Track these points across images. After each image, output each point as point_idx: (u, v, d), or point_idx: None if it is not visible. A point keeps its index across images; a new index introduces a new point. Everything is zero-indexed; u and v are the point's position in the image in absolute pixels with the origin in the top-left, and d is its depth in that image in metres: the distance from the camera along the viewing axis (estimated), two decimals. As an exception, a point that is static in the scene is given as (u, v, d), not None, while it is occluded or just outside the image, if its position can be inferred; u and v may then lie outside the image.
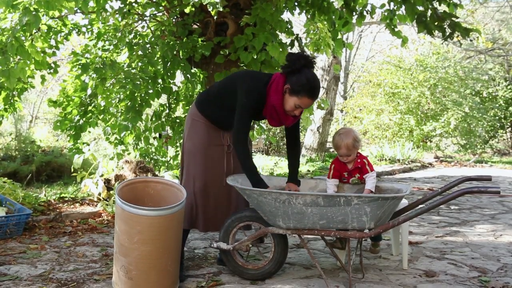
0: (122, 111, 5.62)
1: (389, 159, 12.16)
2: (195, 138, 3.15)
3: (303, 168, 10.13)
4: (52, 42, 5.67)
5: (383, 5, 5.59)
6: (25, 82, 5.61)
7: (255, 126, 6.00)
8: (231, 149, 3.16)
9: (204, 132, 3.13)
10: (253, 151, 8.31)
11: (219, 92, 3.10)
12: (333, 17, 5.67)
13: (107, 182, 5.45)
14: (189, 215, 3.06)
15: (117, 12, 5.19)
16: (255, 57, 5.05)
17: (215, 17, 5.57)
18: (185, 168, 3.20)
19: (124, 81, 5.02)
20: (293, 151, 3.24)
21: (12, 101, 5.78)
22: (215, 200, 3.12)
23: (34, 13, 4.12)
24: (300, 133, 3.37)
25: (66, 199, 5.44)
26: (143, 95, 5.23)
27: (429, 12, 4.70)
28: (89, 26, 5.88)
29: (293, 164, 3.22)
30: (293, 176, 3.20)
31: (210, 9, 5.78)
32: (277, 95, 2.89)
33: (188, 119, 3.24)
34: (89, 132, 7.19)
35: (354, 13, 5.68)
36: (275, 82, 2.92)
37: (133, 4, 5.41)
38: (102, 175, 5.57)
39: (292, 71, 2.88)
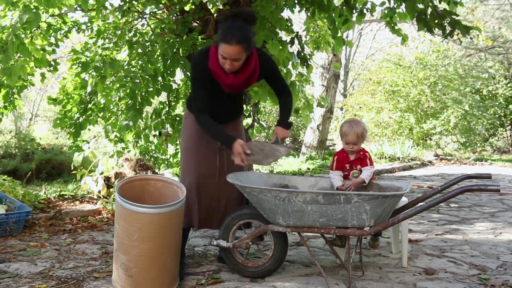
0: (122, 109, 5.62)
1: (389, 157, 12.16)
2: (186, 135, 3.18)
3: (303, 166, 10.14)
4: (52, 40, 5.65)
5: (383, 3, 5.59)
6: (25, 79, 5.61)
7: (255, 124, 6.00)
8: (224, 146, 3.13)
9: (194, 128, 3.12)
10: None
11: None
12: (333, 15, 5.67)
13: (107, 180, 5.45)
14: (186, 212, 3.06)
15: (117, 9, 5.18)
16: (255, 54, 5.04)
17: (215, 15, 5.56)
18: (181, 166, 3.23)
19: (124, 79, 5.01)
20: (280, 102, 3.22)
21: (11, 98, 5.77)
22: (206, 196, 3.10)
23: (34, 10, 4.12)
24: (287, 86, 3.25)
25: (66, 196, 5.44)
26: (143, 93, 5.23)
27: (429, 10, 4.69)
28: (89, 24, 5.87)
29: (283, 109, 3.20)
30: (282, 120, 3.16)
31: (210, 7, 5.76)
32: (213, 58, 2.89)
33: (183, 119, 3.30)
34: (89, 130, 7.18)
35: (354, 11, 5.68)
36: (212, 48, 2.92)
37: (133, 1, 5.40)
38: (102, 173, 5.57)
39: (218, 28, 2.89)
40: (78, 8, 5.36)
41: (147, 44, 5.28)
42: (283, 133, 3.11)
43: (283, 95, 3.21)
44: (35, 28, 4.94)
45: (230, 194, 3.14)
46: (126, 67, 5.21)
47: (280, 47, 5.05)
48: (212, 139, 3.06)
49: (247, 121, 5.62)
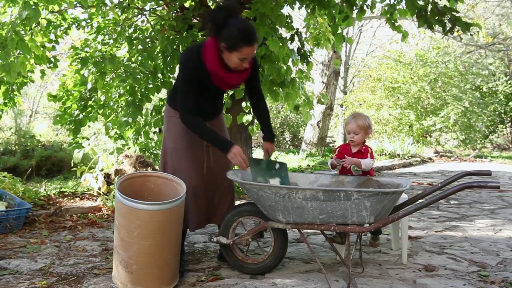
0: (122, 106, 5.62)
1: (389, 154, 12.17)
2: (173, 134, 3.06)
3: (303, 163, 10.13)
4: (52, 36, 5.66)
5: (383, 0, 5.58)
6: (24, 76, 5.61)
7: (255, 121, 5.99)
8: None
9: (183, 127, 2.97)
10: (253, 146, 8.31)
11: (179, 82, 2.99)
12: (333, 11, 5.66)
13: (107, 176, 5.45)
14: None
15: (116, 6, 5.18)
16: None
17: (215, 12, 5.54)
18: (169, 166, 3.08)
19: (123, 75, 5.01)
20: (259, 109, 3.18)
21: (11, 95, 5.78)
22: (203, 197, 3.06)
23: (33, 7, 4.12)
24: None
25: (66, 193, 5.44)
26: (143, 90, 5.22)
27: (430, 7, 4.68)
28: (88, 20, 5.87)
29: (264, 120, 3.17)
30: (269, 134, 3.17)
31: (210, 3, 5.75)
32: (213, 59, 2.78)
33: (164, 118, 3.18)
34: (89, 126, 7.19)
35: (354, 8, 5.67)
36: (207, 48, 2.80)
37: (133, -2, 5.40)
38: (102, 170, 5.57)
39: (218, 28, 2.70)
40: (78, 5, 5.35)
41: (147, 40, 5.27)
42: (273, 148, 3.17)
43: (261, 101, 3.16)
44: (34, 25, 4.94)
45: (220, 186, 3.14)
46: (126, 63, 5.20)
47: (280, 44, 5.04)
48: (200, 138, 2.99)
49: (247, 117, 5.61)
